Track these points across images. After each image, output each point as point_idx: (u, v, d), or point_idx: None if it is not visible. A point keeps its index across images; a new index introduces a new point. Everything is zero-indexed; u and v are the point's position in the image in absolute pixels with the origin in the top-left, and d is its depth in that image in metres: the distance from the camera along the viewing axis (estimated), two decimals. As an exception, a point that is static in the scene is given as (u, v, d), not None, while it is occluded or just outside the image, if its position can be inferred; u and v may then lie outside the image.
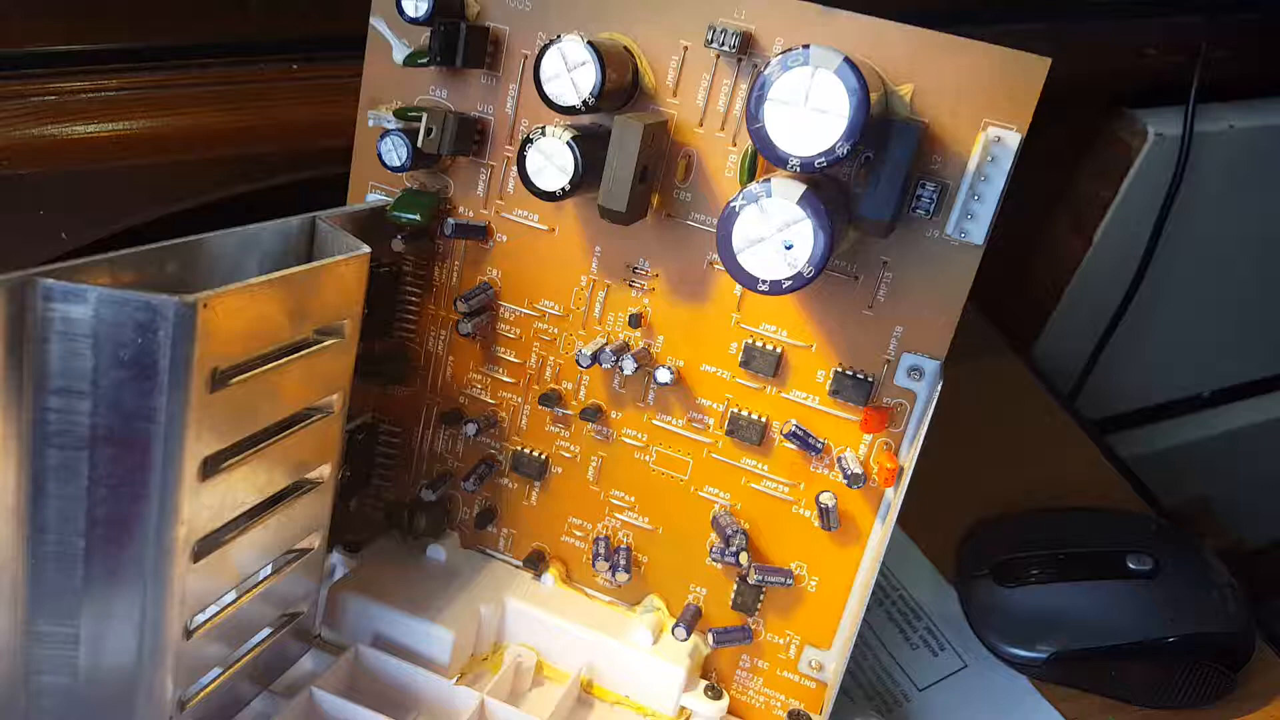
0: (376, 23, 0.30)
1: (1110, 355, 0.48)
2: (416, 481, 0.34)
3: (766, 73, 0.22)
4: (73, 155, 0.31)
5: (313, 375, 0.25)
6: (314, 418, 0.26)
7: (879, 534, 0.30)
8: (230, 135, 0.32)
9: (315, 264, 0.24)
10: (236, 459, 0.23)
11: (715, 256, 0.29)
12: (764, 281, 0.24)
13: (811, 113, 0.22)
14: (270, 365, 0.23)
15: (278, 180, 0.34)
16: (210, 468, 0.22)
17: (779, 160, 0.23)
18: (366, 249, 0.26)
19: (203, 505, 0.22)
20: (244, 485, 0.24)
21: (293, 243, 0.27)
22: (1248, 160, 0.48)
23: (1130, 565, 0.34)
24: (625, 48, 0.28)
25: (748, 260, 0.24)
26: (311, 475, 0.27)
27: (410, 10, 0.27)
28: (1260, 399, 0.62)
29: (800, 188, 0.23)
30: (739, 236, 0.24)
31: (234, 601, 0.25)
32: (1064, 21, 0.43)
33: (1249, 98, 0.47)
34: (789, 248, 0.24)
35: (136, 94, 0.31)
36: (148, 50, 0.31)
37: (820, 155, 0.23)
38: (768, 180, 0.23)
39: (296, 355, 0.24)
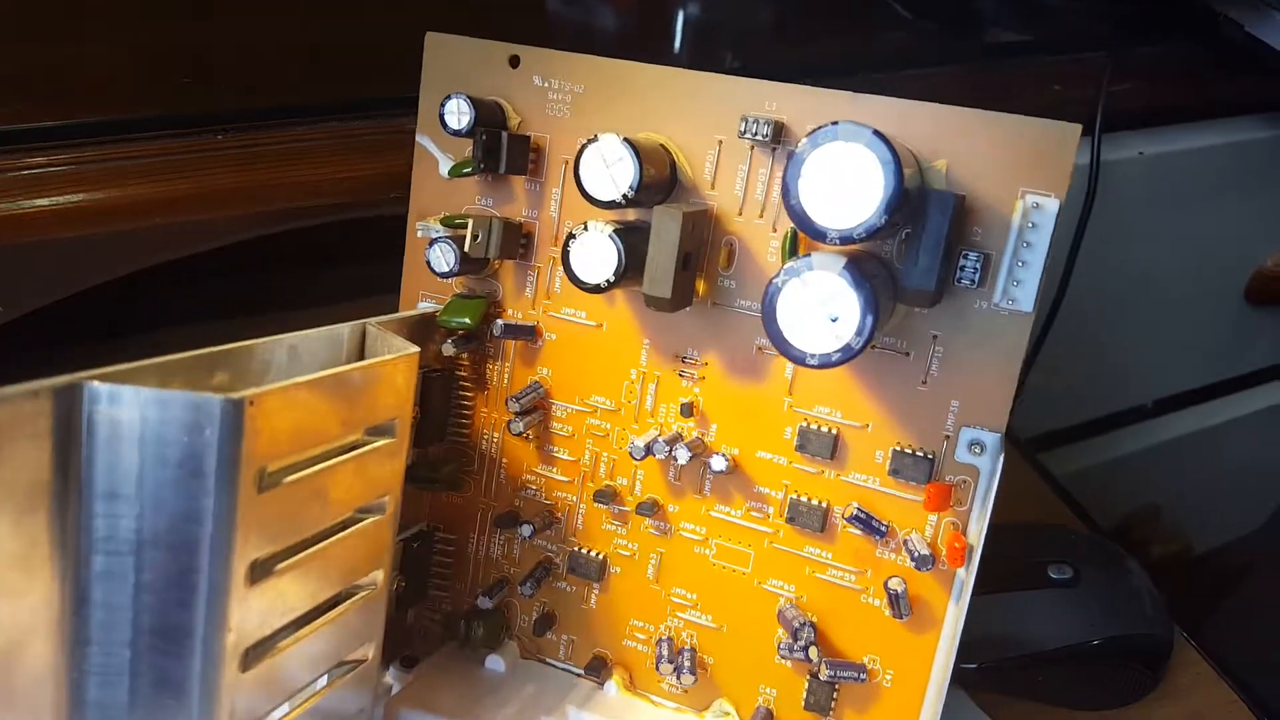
0: (422, 139, 0.31)
1: (1040, 376, 0.49)
2: (474, 590, 0.33)
3: (799, 151, 0.23)
4: (9, 230, 0.32)
5: (363, 476, 0.25)
6: (365, 520, 0.26)
7: (954, 617, 0.28)
8: (162, 204, 0.34)
9: (362, 364, 0.24)
10: (286, 563, 0.23)
11: (763, 341, 0.29)
12: (813, 356, 0.24)
13: (846, 186, 0.23)
14: (320, 465, 0.23)
15: (201, 248, 0.35)
16: (260, 571, 0.22)
17: (818, 235, 0.23)
18: (415, 348, 0.26)
19: (251, 611, 0.22)
20: (294, 590, 0.24)
21: (343, 348, 0.27)
22: (1158, 183, 0.51)
23: (1051, 575, 0.36)
24: (662, 145, 0.29)
25: (794, 335, 0.24)
26: (363, 581, 0.27)
27: (453, 123, 0.29)
28: (1198, 408, 0.65)
29: (841, 260, 0.23)
30: (784, 312, 0.24)
31: (286, 715, 0.25)
32: (977, 64, 0.46)
33: (1157, 125, 0.50)
34: (834, 320, 0.23)
35: (71, 169, 0.33)
36: (81, 127, 0.33)
37: (859, 227, 0.23)
38: (809, 255, 0.24)
39: (347, 455, 0.24)
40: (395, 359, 0.25)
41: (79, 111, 0.33)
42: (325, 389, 0.23)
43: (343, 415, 0.24)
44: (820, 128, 0.23)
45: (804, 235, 0.25)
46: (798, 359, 0.24)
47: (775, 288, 0.24)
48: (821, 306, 0.23)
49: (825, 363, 0.24)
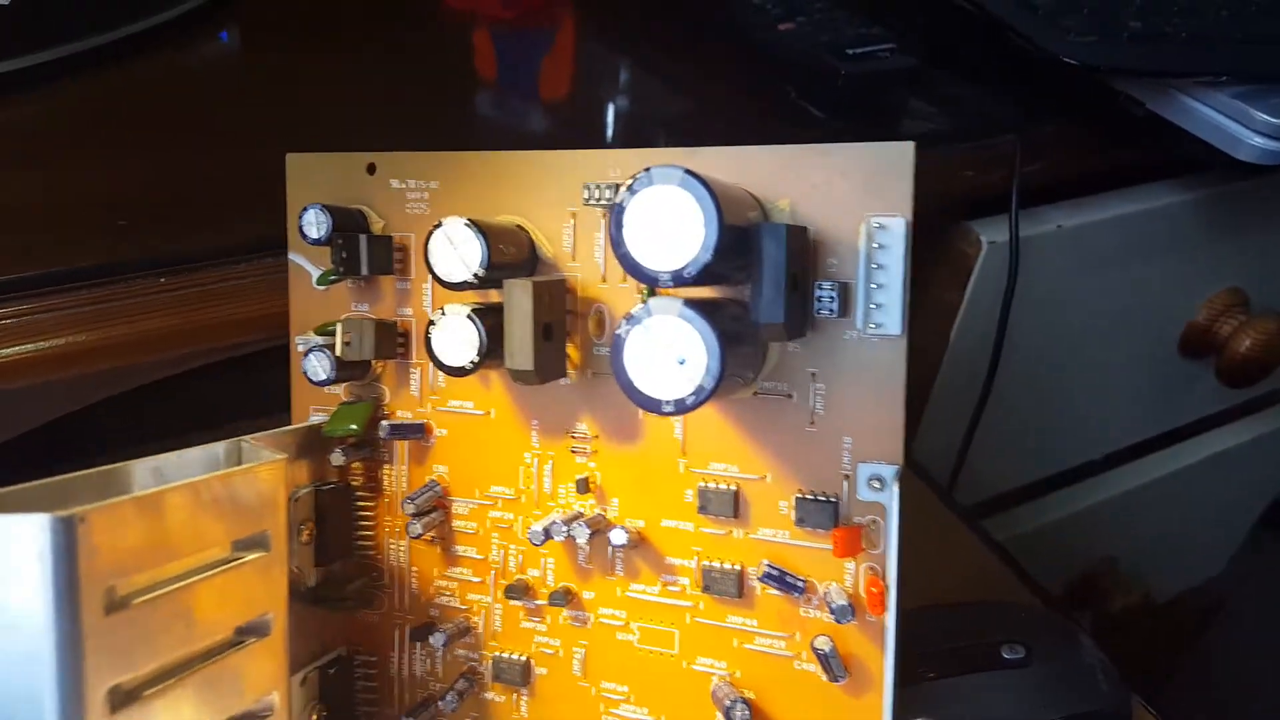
0: (294, 256, 0.32)
1: (981, 443, 0.50)
2: (401, 715, 0.31)
3: (619, 200, 0.23)
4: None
5: (235, 593, 0.24)
6: (248, 642, 0.25)
7: (891, 671, 0.26)
8: (105, 351, 0.34)
9: (216, 474, 0.24)
10: (155, 688, 0.22)
11: (649, 406, 0.28)
12: (667, 403, 0.23)
13: (669, 228, 0.22)
14: (179, 583, 0.23)
15: (144, 381, 0.36)
16: (122, 699, 0.21)
17: (650, 279, 0.23)
18: (280, 455, 0.26)
19: (114, 744, 0.21)
20: (168, 717, 0.22)
21: (220, 466, 0.27)
22: (1082, 252, 0.53)
23: (1004, 655, 0.35)
24: (519, 225, 0.29)
25: (645, 384, 0.23)
26: (256, 708, 0.25)
27: (312, 233, 0.29)
28: (1145, 460, 0.66)
29: (677, 302, 0.23)
30: (631, 362, 0.23)
31: None
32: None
33: (1073, 197, 0.52)
34: (682, 363, 0.23)
35: (16, 322, 0.33)
36: (18, 281, 0.34)
37: (689, 266, 0.22)
38: (647, 301, 0.23)
39: (211, 571, 0.23)
40: (251, 468, 0.25)
41: (16, 265, 0.34)
42: (173, 501, 0.22)
43: (199, 530, 0.23)
44: (637, 177, 0.23)
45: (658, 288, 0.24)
46: (652, 408, 0.23)
47: (619, 339, 0.23)
48: (667, 350, 0.23)
49: (681, 409, 0.23)
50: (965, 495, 0.55)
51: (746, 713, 0.27)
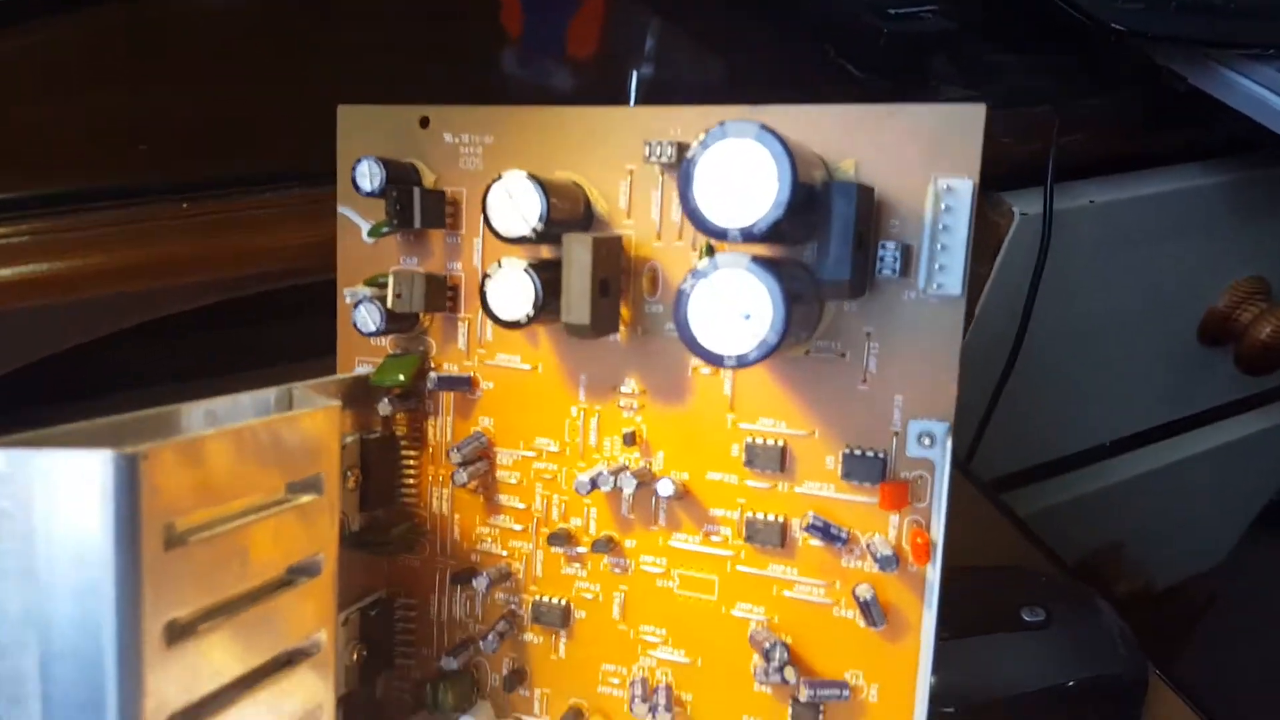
0: (344, 210, 0.31)
1: (1001, 419, 0.51)
2: (440, 655, 0.32)
3: (690, 154, 0.23)
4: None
5: (290, 534, 0.25)
6: (299, 581, 0.25)
7: (930, 620, 0.27)
8: (120, 274, 0.34)
9: (273, 417, 0.24)
10: (209, 623, 0.22)
11: (698, 361, 0.29)
12: (730, 357, 0.23)
13: (741, 183, 0.23)
14: (236, 523, 0.23)
15: (164, 312, 0.35)
16: (179, 633, 0.21)
17: (719, 235, 0.23)
18: (335, 402, 0.26)
19: (171, 676, 0.21)
20: (221, 653, 0.23)
21: (270, 412, 0.27)
22: (1110, 230, 0.52)
23: (1024, 618, 0.35)
24: (575, 182, 0.29)
25: (709, 339, 0.23)
26: (305, 645, 0.26)
27: (365, 185, 0.29)
28: (1156, 446, 0.66)
29: (745, 257, 0.23)
30: (695, 317, 0.23)
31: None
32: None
33: (1107, 174, 0.52)
34: (748, 318, 0.23)
35: (33, 239, 0.33)
36: (38, 199, 0.33)
37: (759, 222, 0.22)
38: (714, 256, 0.23)
39: (266, 512, 0.24)
40: (311, 412, 0.25)
41: (36, 182, 0.34)
42: (231, 442, 0.22)
43: (256, 471, 0.23)
44: (710, 130, 0.23)
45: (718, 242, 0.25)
46: (715, 361, 0.23)
47: (684, 293, 0.23)
48: (732, 305, 0.23)
49: (744, 363, 0.23)
50: (978, 471, 0.55)
51: (785, 653, 0.28)
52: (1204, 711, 0.37)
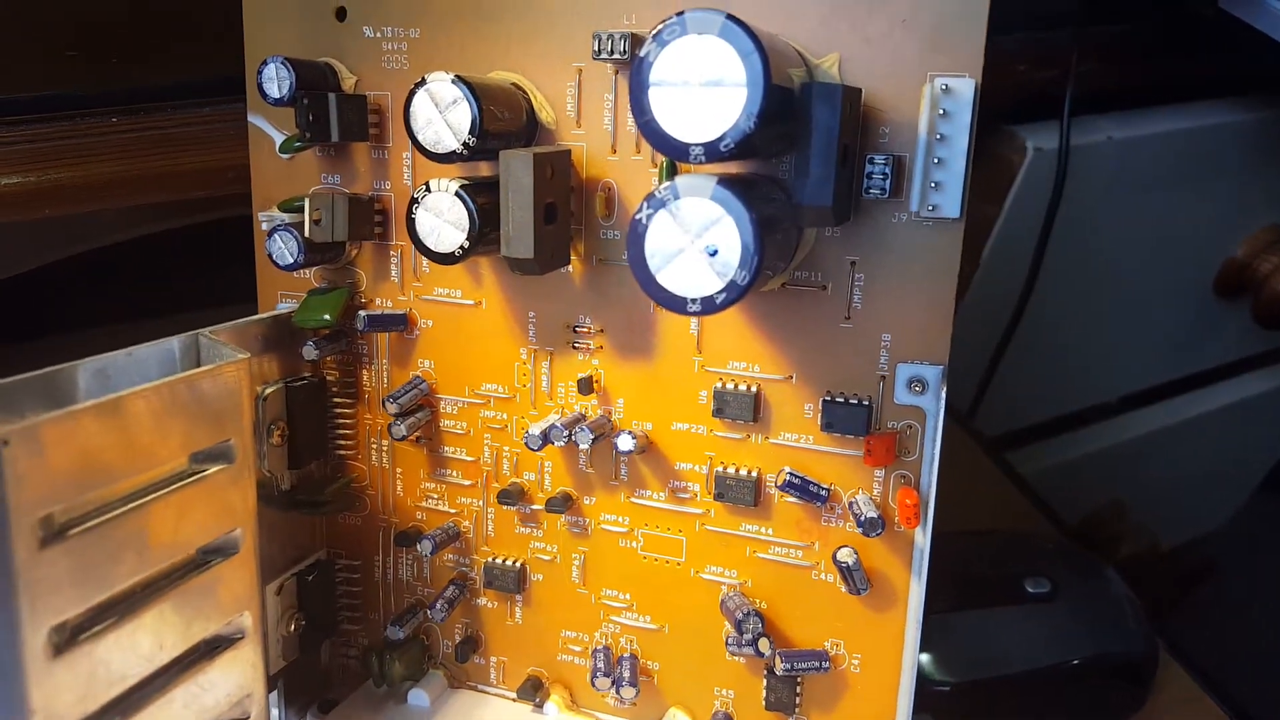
0: (254, 119, 0.27)
1: (1007, 371, 0.47)
2: (388, 620, 0.29)
3: (643, 54, 0.19)
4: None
5: (195, 511, 0.21)
6: (213, 562, 0.22)
7: (918, 588, 0.24)
8: (49, 194, 0.30)
9: (166, 379, 0.20)
10: (105, 622, 0.19)
11: (661, 296, 0.25)
12: (693, 301, 0.20)
13: (704, 89, 0.19)
14: (128, 506, 0.20)
15: (86, 246, 0.32)
16: (67, 638, 0.19)
17: (679, 152, 0.19)
18: (244, 354, 0.22)
19: (62, 687, 0.18)
20: (124, 654, 0.20)
21: (176, 365, 0.23)
22: (1128, 169, 0.49)
23: (1028, 589, 0.33)
24: (514, 84, 0.25)
25: (669, 279, 0.20)
26: (226, 631, 0.23)
27: (273, 91, 0.25)
28: (1165, 403, 0.63)
29: (710, 180, 0.19)
30: (653, 253, 0.20)
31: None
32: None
33: (1126, 109, 0.48)
34: (713, 254, 0.19)
35: None
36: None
37: (725, 137, 0.19)
38: (674, 181, 0.20)
39: (166, 490, 0.20)
40: (208, 370, 0.22)
41: None
42: (113, 415, 0.19)
43: (151, 444, 0.20)
44: (665, 23, 0.19)
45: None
46: (676, 307, 0.20)
47: (639, 224, 0.20)
48: (697, 240, 0.19)
49: (710, 308, 0.20)
50: (981, 426, 0.53)
51: (759, 625, 0.25)
52: (1214, 687, 0.35)
